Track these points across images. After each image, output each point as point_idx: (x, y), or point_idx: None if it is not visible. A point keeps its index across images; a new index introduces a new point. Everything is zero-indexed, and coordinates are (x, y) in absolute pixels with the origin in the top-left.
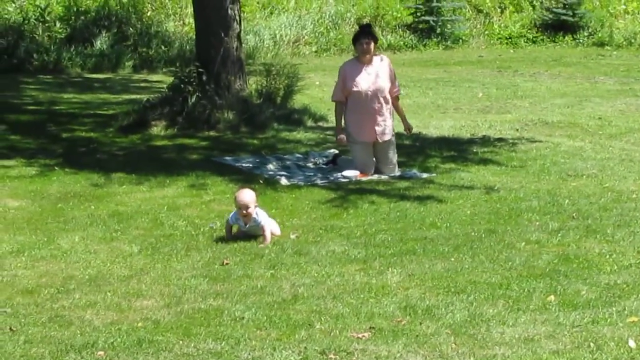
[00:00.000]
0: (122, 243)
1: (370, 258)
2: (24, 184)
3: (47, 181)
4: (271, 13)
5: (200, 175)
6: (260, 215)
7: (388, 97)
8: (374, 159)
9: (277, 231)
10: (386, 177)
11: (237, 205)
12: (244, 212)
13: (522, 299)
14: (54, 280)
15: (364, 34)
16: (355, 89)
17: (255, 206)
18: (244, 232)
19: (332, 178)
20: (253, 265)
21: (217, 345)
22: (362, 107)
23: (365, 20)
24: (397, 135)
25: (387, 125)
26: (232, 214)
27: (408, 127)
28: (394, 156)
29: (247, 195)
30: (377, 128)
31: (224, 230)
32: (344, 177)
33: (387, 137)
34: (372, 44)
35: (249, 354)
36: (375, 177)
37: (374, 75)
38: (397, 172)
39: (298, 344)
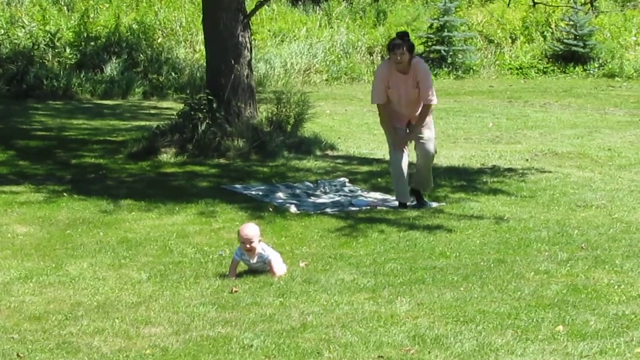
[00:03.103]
0: (131, 270)
1: (379, 287)
2: (33, 210)
3: (56, 207)
4: (282, 41)
5: (209, 202)
6: (267, 250)
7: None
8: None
9: (284, 270)
10: (395, 205)
11: (240, 239)
12: (248, 246)
13: (530, 329)
14: (62, 307)
15: (397, 44)
16: (391, 95)
17: (260, 241)
18: (251, 268)
19: (341, 206)
20: (262, 293)
21: None
22: (396, 113)
23: (378, 49)
24: (408, 165)
25: (425, 125)
26: (237, 250)
27: (412, 131)
28: (433, 145)
29: (250, 229)
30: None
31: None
32: (354, 205)
33: (422, 134)
34: (407, 54)
35: None
36: (384, 208)
37: (408, 84)
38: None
39: None
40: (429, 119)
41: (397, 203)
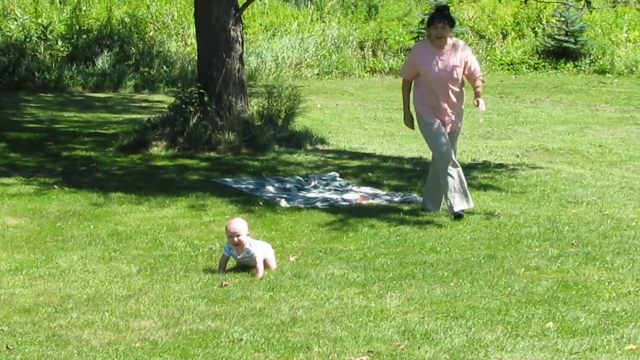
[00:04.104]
0: (121, 263)
1: (369, 282)
2: (23, 202)
3: (47, 200)
4: (274, 35)
5: (200, 196)
6: (255, 246)
7: (459, 86)
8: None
9: (273, 264)
10: (386, 200)
11: (227, 233)
12: (235, 239)
13: (520, 325)
14: (52, 299)
15: (439, 17)
16: (425, 74)
17: (248, 235)
18: (240, 263)
19: (332, 201)
20: (252, 287)
21: None
22: (432, 94)
23: (369, 44)
24: (399, 159)
25: (457, 115)
26: (226, 245)
27: (477, 101)
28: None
29: (237, 223)
30: (446, 117)
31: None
32: (344, 200)
33: (454, 127)
34: (448, 28)
35: None
36: (375, 202)
37: (448, 62)
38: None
39: None
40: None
41: (387, 197)
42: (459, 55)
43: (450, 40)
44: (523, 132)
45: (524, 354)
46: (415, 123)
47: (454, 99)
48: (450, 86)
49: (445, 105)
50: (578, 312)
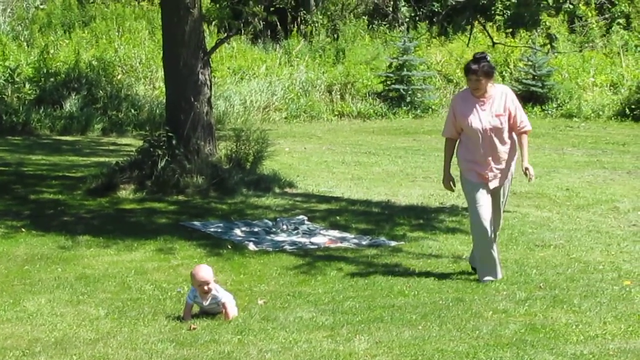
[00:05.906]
0: (89, 306)
1: (337, 325)
2: None
3: (14, 243)
4: (242, 78)
5: (168, 239)
6: (220, 291)
7: (506, 137)
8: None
9: (235, 312)
10: (354, 244)
11: (197, 282)
12: (205, 288)
13: None
14: (19, 343)
15: (471, 70)
16: (467, 125)
17: (215, 281)
18: (203, 310)
19: (300, 244)
20: (220, 330)
21: None
22: (475, 147)
23: (337, 87)
24: (367, 202)
25: (502, 171)
26: (189, 293)
27: (525, 169)
28: (503, 207)
29: (207, 271)
30: (489, 173)
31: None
32: (313, 243)
33: (499, 183)
34: (483, 80)
35: None
36: (345, 244)
37: (490, 111)
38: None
39: None
40: (510, 175)
41: (356, 241)
42: (503, 103)
43: (491, 89)
44: None
45: None
46: (458, 183)
47: (499, 151)
48: (495, 137)
49: (490, 159)
50: (546, 355)
